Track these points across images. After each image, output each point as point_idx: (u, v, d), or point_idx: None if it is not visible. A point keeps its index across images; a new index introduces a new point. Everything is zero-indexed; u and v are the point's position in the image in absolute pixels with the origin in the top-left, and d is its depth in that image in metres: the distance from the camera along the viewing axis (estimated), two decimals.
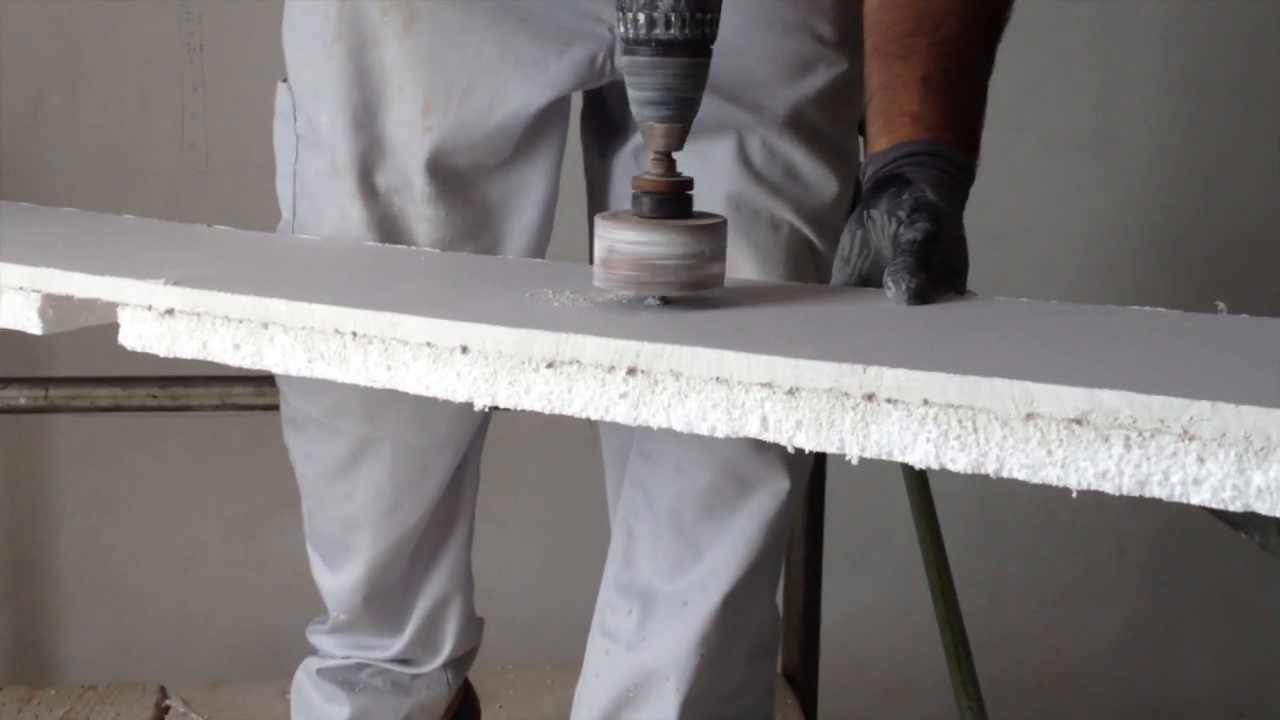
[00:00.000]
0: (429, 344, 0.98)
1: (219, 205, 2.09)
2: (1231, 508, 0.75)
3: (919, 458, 0.84)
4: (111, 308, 1.13)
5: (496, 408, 0.96)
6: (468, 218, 1.39)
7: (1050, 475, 0.82)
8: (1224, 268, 2.76)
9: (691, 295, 1.01)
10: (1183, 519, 2.79)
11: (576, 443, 2.43)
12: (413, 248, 1.37)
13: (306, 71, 1.40)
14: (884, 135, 1.14)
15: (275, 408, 1.98)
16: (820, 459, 2.04)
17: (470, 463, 1.58)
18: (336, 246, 1.36)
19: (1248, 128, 2.72)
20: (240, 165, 2.45)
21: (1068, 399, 0.79)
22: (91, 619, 2.70)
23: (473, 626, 1.68)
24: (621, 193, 1.45)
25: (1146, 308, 1.03)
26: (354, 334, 1.01)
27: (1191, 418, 0.75)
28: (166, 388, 2.01)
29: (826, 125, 1.40)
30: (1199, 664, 2.99)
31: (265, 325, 1.04)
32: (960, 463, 0.83)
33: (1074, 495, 0.82)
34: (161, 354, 1.10)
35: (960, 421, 0.82)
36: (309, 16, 1.38)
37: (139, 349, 1.12)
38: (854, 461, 0.86)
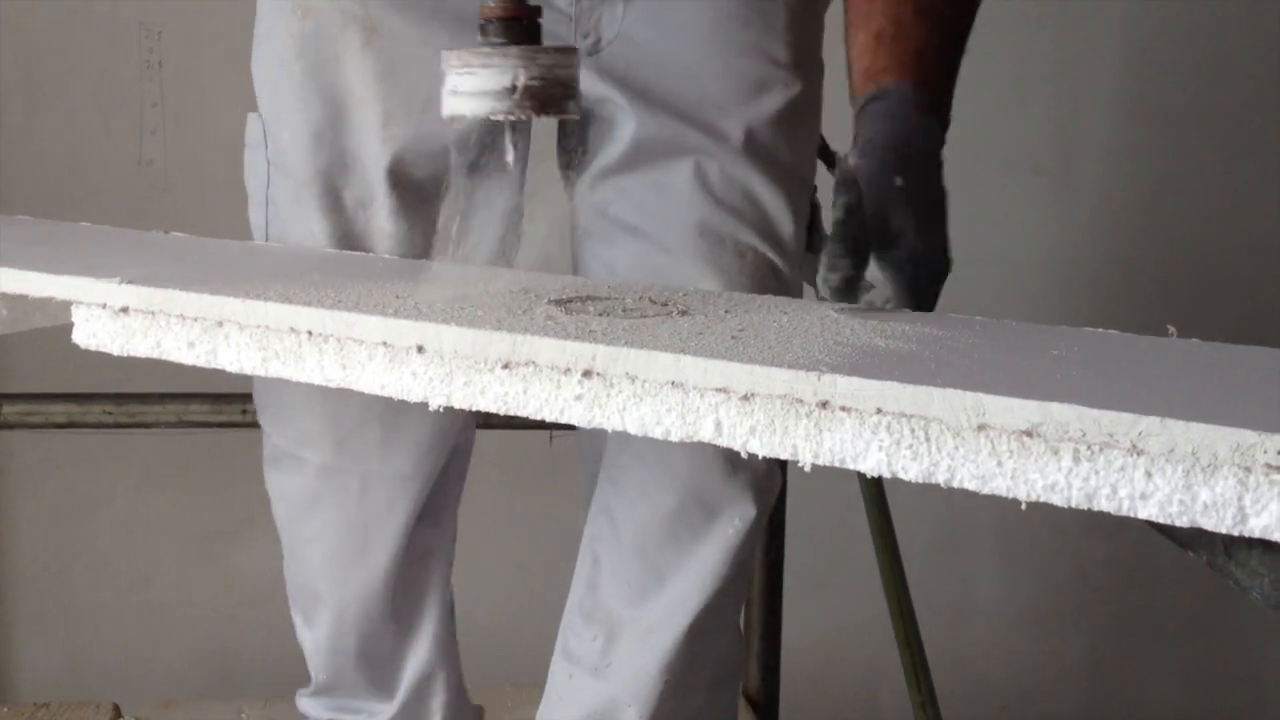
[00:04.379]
0: (385, 343, 0.97)
1: (178, 222, 2.06)
2: (1178, 523, 0.75)
3: (871, 465, 0.84)
4: (66, 307, 1.12)
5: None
6: (429, 233, 1.39)
7: (1000, 486, 0.82)
8: (1177, 293, 2.78)
9: (540, 115, 1.01)
10: (1144, 543, 2.81)
11: (539, 465, 2.43)
12: (371, 255, 1.37)
13: (268, 92, 1.41)
14: (852, 106, 1.15)
15: (232, 425, 2.00)
16: (782, 478, 2.05)
17: (443, 512, 1.56)
18: (294, 251, 1.36)
19: (1202, 155, 2.75)
20: (200, 182, 2.44)
21: (1019, 411, 0.78)
22: (46, 636, 2.68)
23: (466, 707, 1.66)
24: (583, 219, 1.44)
25: (1100, 330, 1.04)
26: (309, 333, 1.00)
27: (1140, 433, 0.75)
28: (122, 404, 2.00)
29: (783, 148, 1.40)
30: (1162, 687, 2.99)
31: (220, 323, 1.04)
32: (912, 471, 0.83)
33: (1023, 508, 0.82)
34: (115, 352, 1.09)
35: (913, 431, 0.82)
36: (272, 39, 1.39)
37: (92, 347, 1.11)
38: (807, 469, 0.86)
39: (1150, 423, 0.75)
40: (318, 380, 1.01)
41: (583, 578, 1.53)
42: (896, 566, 1.95)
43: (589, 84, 1.33)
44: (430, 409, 0.97)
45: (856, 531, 2.29)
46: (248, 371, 1.03)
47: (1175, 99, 2.74)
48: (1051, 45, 2.70)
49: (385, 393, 0.98)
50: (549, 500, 2.49)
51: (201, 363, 1.06)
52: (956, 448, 0.81)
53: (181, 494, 2.64)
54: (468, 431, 1.56)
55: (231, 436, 2.05)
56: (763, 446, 0.87)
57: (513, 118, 1.02)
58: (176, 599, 2.69)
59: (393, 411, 1.42)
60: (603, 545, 1.51)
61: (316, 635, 1.57)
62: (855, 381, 0.83)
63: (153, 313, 1.07)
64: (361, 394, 1.40)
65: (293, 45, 1.37)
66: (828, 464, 0.85)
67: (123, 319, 1.08)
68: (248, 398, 1.95)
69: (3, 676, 2.68)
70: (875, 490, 1.95)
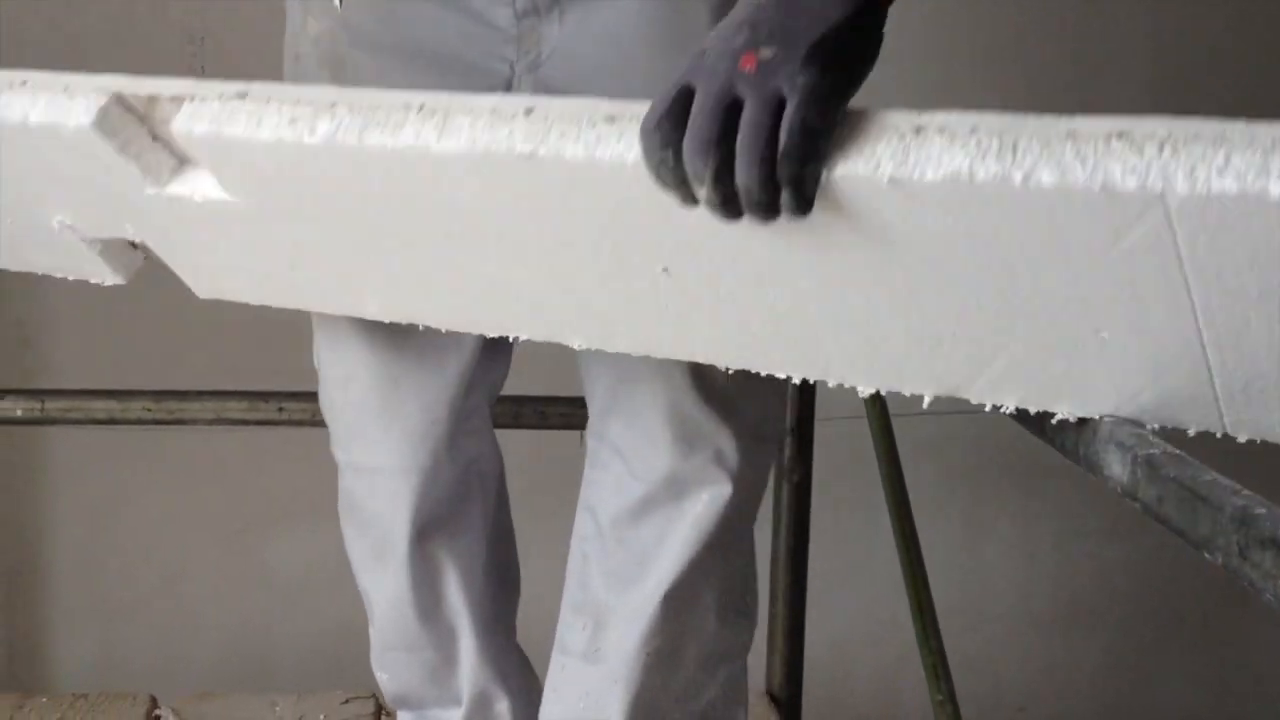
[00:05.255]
0: (492, 110, 0.99)
1: None
2: (1251, 186, 0.75)
3: (948, 170, 0.83)
4: (177, 103, 1.12)
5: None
6: None
7: (1077, 179, 0.80)
8: None
9: None
10: (1162, 546, 2.81)
11: (533, 471, 2.45)
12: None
13: None
14: None
15: (269, 423, 2.01)
16: (805, 481, 2.08)
17: (459, 523, 1.59)
18: None
19: None
20: None
21: (1110, 124, 0.80)
22: (84, 628, 2.71)
23: (530, 713, 1.67)
24: None
25: None
26: (421, 106, 1.02)
27: (1225, 132, 0.76)
28: (161, 401, 2.01)
29: None
30: (1179, 689, 3.00)
31: (332, 105, 1.04)
32: (990, 170, 0.82)
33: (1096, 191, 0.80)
34: (215, 131, 1.09)
35: (1001, 143, 0.82)
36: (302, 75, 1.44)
37: (189, 133, 1.10)
38: (884, 183, 0.84)
39: (1237, 126, 0.76)
40: (410, 141, 1.01)
41: (574, 575, 1.57)
42: (918, 567, 1.97)
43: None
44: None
45: (878, 533, 2.31)
46: (338, 143, 1.03)
47: (1197, 106, 2.74)
48: (1069, 54, 2.71)
49: (478, 149, 0.99)
50: (536, 511, 2.51)
51: (301, 139, 1.05)
52: (1041, 150, 0.81)
53: (218, 490, 2.66)
54: (481, 445, 1.59)
55: (267, 433, 2.07)
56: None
57: None
58: (212, 593, 2.71)
59: (385, 404, 1.49)
60: (589, 543, 1.55)
61: (373, 633, 1.64)
62: (953, 115, 0.85)
63: (268, 99, 1.07)
64: (360, 384, 1.49)
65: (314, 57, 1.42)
66: (903, 178, 0.84)
67: (234, 103, 1.08)
68: (284, 395, 2.00)
69: (42, 667, 2.72)
70: (898, 490, 1.98)
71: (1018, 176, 0.81)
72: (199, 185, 1.16)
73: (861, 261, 0.93)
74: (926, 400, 1.02)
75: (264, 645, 2.70)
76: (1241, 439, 0.93)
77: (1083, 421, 0.96)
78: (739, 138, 0.88)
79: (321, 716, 2.03)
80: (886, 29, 0.93)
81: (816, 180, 0.87)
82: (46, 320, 2.57)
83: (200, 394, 2.04)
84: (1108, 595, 2.95)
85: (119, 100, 1.12)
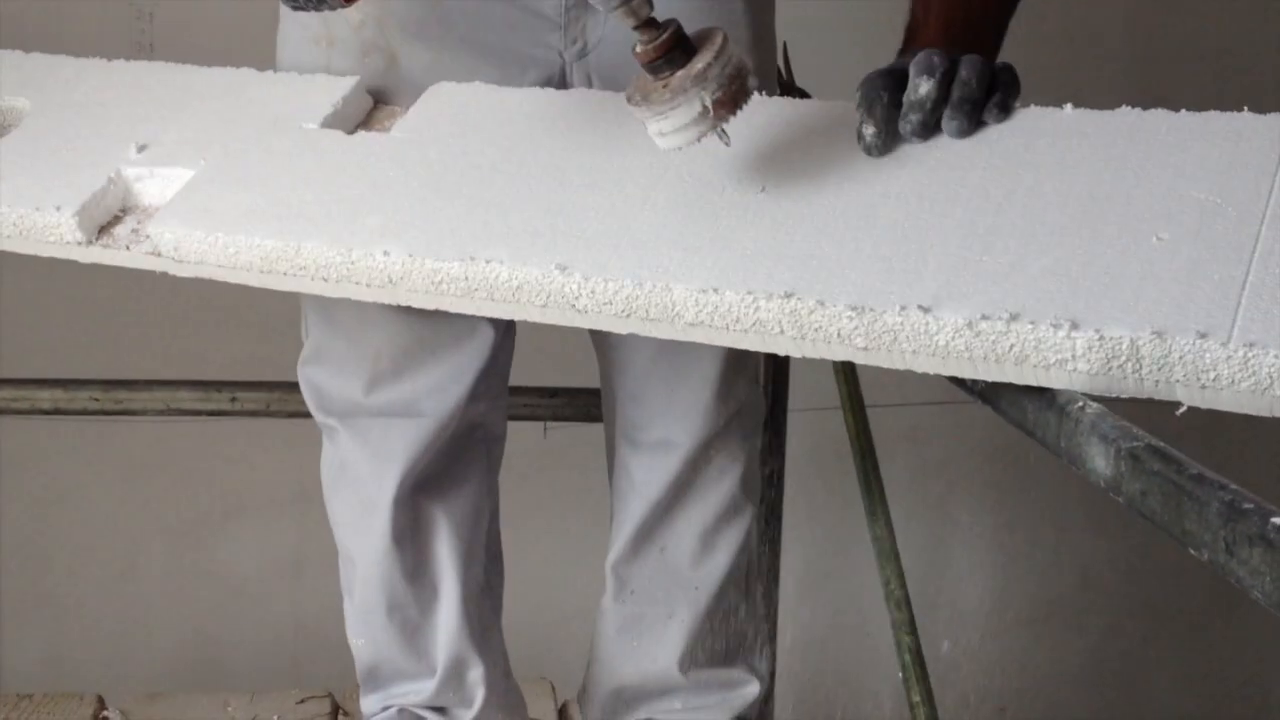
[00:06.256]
0: None
1: None
2: None
3: None
4: None
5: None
6: None
7: None
8: None
9: (736, 113, 1.11)
10: (1146, 543, 2.82)
11: (532, 456, 2.43)
12: None
13: None
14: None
15: (222, 413, 2.01)
16: (778, 473, 2.04)
17: (446, 481, 1.62)
18: None
19: None
20: None
21: None
22: (30, 627, 2.69)
23: (510, 688, 1.73)
24: None
25: None
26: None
27: None
28: (110, 391, 2.00)
29: None
30: (1163, 687, 3.00)
31: None
32: None
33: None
34: None
35: None
36: (302, 67, 1.48)
37: None
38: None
39: None
40: None
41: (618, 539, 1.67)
42: (894, 563, 1.95)
43: (581, 85, 1.46)
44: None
45: (854, 532, 2.30)
46: None
47: (1179, 95, 2.73)
48: (1055, 35, 2.70)
49: None
50: (542, 494, 2.49)
51: None
52: None
53: (168, 483, 2.65)
54: (482, 404, 1.62)
55: (219, 425, 2.06)
56: None
57: (718, 129, 1.12)
58: (163, 590, 2.70)
59: (408, 355, 1.55)
60: (621, 501, 1.66)
61: (351, 606, 1.67)
62: None
63: None
64: (384, 332, 1.53)
65: (321, 71, 1.46)
66: None
67: None
68: (237, 385, 1.99)
69: None
70: (873, 483, 1.95)
71: None
72: None
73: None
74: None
75: (216, 643, 2.69)
76: (1238, 354, 0.91)
77: (1064, 413, 0.96)
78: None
79: (275, 717, 1.99)
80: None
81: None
82: None
83: (150, 383, 2.03)
84: (1091, 592, 2.95)
85: None
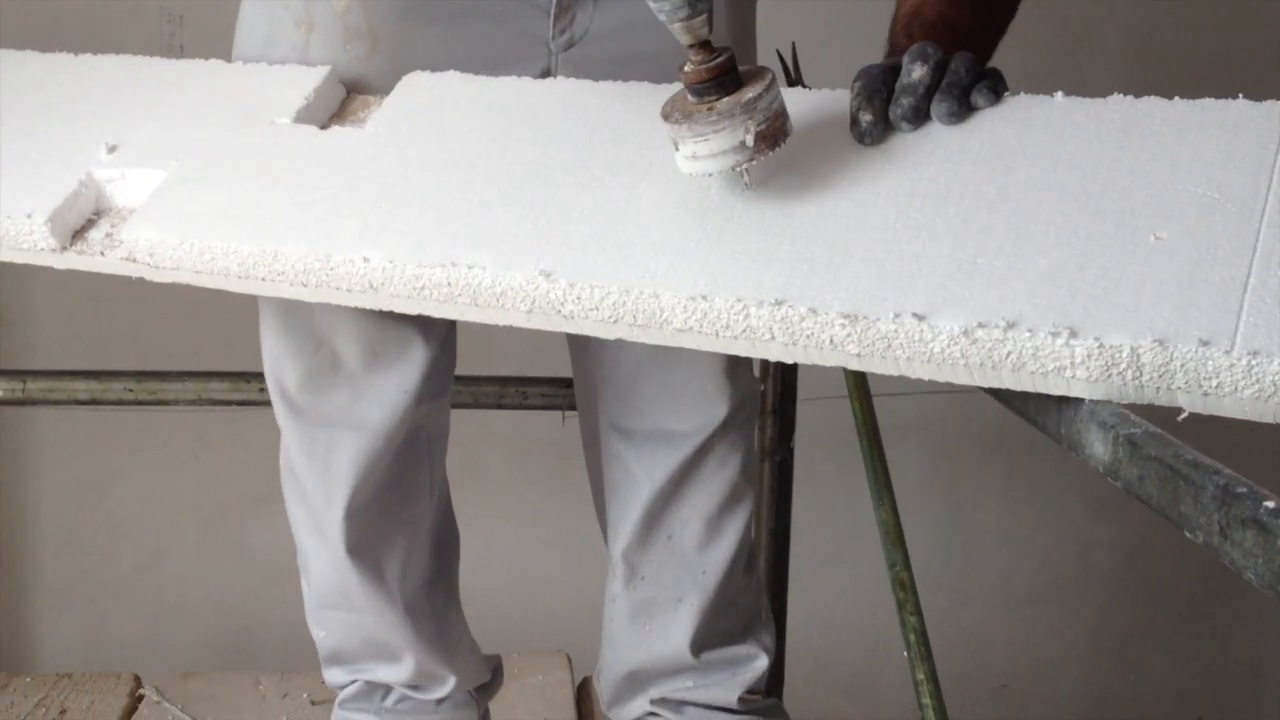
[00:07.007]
0: None
1: None
2: None
3: None
4: None
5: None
6: None
7: None
8: None
9: (772, 151, 1.08)
10: (1145, 525, 2.82)
11: (547, 443, 2.45)
12: None
13: None
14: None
15: (251, 403, 2.01)
16: (788, 461, 2.08)
17: (404, 466, 1.60)
18: None
19: None
20: None
21: None
22: (68, 608, 2.71)
23: (468, 656, 1.72)
24: None
25: None
26: None
27: None
28: (143, 382, 2.02)
29: None
30: (1161, 668, 3.01)
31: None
32: None
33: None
34: None
35: None
36: (272, 50, 1.44)
37: None
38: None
39: None
40: None
41: (619, 532, 1.64)
42: (899, 546, 1.97)
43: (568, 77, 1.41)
44: None
45: (861, 512, 2.31)
46: None
47: (1178, 90, 2.74)
48: (1053, 36, 2.71)
49: None
50: (560, 478, 2.50)
51: None
52: None
53: (201, 470, 2.66)
54: (424, 408, 1.58)
55: (249, 414, 2.07)
56: None
57: (754, 163, 1.09)
58: (195, 573, 2.72)
59: (362, 367, 1.50)
60: (614, 493, 1.63)
61: (309, 591, 1.65)
62: None
63: None
64: (335, 347, 1.48)
65: (295, 57, 1.42)
66: None
67: None
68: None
69: (26, 647, 2.72)
70: (880, 469, 1.98)
71: None
72: None
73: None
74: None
75: (248, 624, 2.70)
76: (1241, 362, 0.88)
77: (1064, 400, 0.95)
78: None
79: (305, 695, 2.03)
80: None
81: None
82: (27, 301, 2.57)
83: (182, 375, 2.04)
84: (1091, 574, 2.96)
85: None
